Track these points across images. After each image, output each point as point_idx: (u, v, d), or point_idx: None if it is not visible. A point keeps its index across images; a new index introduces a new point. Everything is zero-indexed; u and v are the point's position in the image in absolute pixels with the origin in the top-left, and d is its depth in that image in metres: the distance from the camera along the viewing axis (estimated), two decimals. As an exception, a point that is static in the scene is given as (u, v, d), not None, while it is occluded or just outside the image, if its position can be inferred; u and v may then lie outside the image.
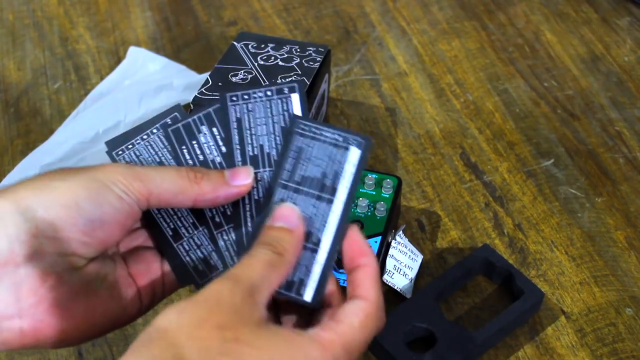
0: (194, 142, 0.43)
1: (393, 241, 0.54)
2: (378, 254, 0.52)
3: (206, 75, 0.67)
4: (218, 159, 0.43)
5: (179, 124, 0.44)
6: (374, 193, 0.56)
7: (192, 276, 0.43)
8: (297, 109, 0.43)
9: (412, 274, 0.54)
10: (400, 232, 0.55)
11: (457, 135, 0.66)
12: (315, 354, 0.34)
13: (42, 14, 0.80)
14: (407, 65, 0.73)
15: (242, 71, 0.54)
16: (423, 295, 0.51)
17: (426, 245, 0.58)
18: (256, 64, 0.54)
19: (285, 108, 0.43)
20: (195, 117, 0.44)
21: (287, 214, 0.39)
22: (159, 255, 0.43)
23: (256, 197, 0.42)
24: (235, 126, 0.43)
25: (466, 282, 0.55)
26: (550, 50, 0.74)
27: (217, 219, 0.43)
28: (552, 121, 0.67)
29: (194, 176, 0.40)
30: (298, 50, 0.56)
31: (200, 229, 0.43)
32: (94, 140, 0.62)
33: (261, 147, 0.43)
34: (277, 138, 0.43)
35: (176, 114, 0.44)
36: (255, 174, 0.42)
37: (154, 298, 0.42)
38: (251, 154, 0.43)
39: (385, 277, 0.52)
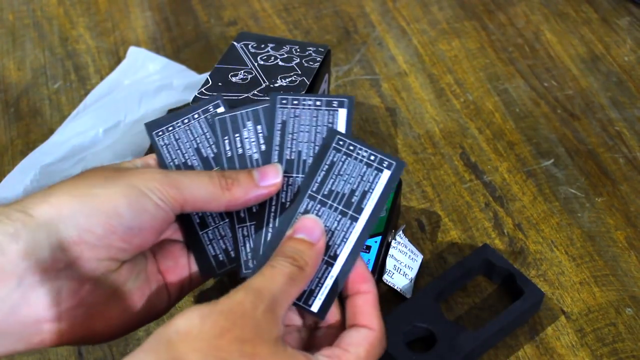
0: (237, 135, 0.44)
1: (393, 241, 0.54)
2: (378, 254, 0.52)
3: (206, 75, 0.67)
4: (256, 156, 0.43)
5: (227, 115, 0.44)
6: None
7: (212, 267, 0.43)
8: (341, 125, 0.44)
9: (412, 274, 0.54)
10: (400, 232, 0.55)
11: (457, 135, 0.66)
12: None
13: (42, 14, 0.80)
14: (407, 65, 0.73)
15: (242, 71, 0.54)
16: (423, 295, 0.51)
17: (426, 245, 0.58)
18: (256, 64, 0.54)
19: (330, 120, 0.44)
20: (243, 111, 0.44)
21: (311, 227, 0.40)
22: (186, 250, 0.44)
23: (283, 200, 0.43)
24: (279, 128, 0.44)
25: (466, 282, 0.55)
26: (550, 50, 0.74)
27: (242, 214, 0.43)
28: (552, 121, 0.67)
29: (225, 183, 0.40)
30: (298, 50, 0.56)
31: (227, 220, 0.43)
32: (94, 140, 0.62)
33: (299, 153, 0.43)
34: (316, 147, 0.43)
35: (219, 101, 0.45)
36: (287, 177, 0.43)
37: (181, 293, 0.43)
38: (288, 157, 0.43)
39: (385, 277, 0.52)
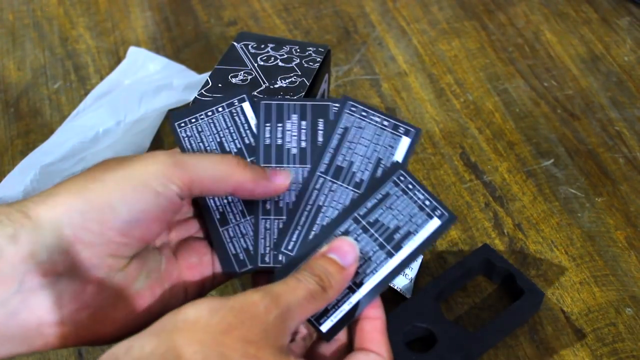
0: (280, 124, 0.44)
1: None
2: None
3: (206, 75, 0.67)
4: (294, 150, 0.43)
5: (274, 102, 0.44)
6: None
7: (232, 265, 0.42)
8: (400, 152, 0.43)
9: (412, 274, 0.54)
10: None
11: (457, 135, 0.66)
12: None
13: (42, 14, 0.80)
14: (407, 65, 0.73)
15: (242, 72, 0.54)
16: (423, 295, 0.51)
17: (426, 245, 0.58)
18: (256, 65, 0.54)
19: (391, 144, 0.44)
20: (291, 103, 0.44)
21: (346, 250, 0.39)
22: (210, 248, 0.43)
23: (320, 203, 0.42)
24: (340, 132, 0.44)
25: (466, 282, 0.55)
26: (550, 50, 0.74)
27: (268, 206, 0.43)
28: (552, 121, 0.67)
29: (239, 162, 0.39)
30: (298, 50, 0.56)
31: (248, 218, 0.43)
32: (94, 140, 0.62)
33: (351, 163, 0.43)
34: (369, 165, 0.43)
35: (244, 96, 0.45)
36: (332, 183, 0.43)
37: (202, 292, 0.42)
38: (339, 163, 0.43)
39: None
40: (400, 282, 0.53)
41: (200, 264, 0.42)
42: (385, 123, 0.44)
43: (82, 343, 0.37)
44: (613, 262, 0.56)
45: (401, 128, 0.44)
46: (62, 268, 0.35)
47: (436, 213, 0.41)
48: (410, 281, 0.54)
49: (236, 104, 0.45)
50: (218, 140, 0.44)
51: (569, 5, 0.80)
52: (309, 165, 0.44)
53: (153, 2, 0.81)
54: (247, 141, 0.44)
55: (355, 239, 0.41)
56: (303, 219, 0.42)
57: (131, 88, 0.66)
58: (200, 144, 0.44)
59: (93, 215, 0.35)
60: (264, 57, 0.55)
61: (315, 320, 0.39)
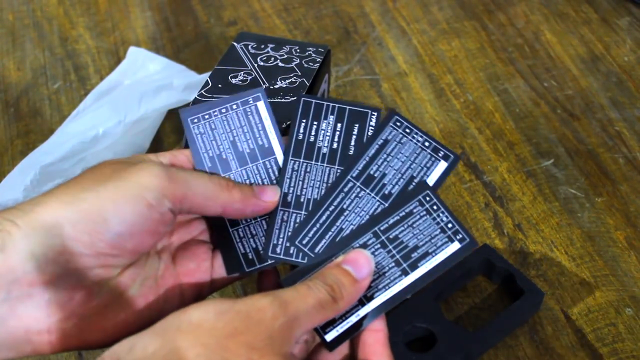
0: (315, 123, 0.44)
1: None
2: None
3: (206, 75, 0.67)
4: (324, 150, 0.44)
5: (313, 99, 0.45)
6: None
7: (240, 264, 0.42)
8: (435, 175, 0.43)
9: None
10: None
11: (457, 135, 0.66)
12: None
13: (42, 14, 0.80)
14: (407, 65, 0.73)
15: (242, 72, 0.54)
16: (423, 295, 0.51)
17: (426, 246, 0.58)
18: (256, 65, 0.54)
19: (428, 165, 0.44)
20: (331, 103, 0.45)
21: (362, 264, 0.39)
22: (211, 252, 0.43)
23: (344, 206, 0.43)
24: (380, 143, 0.44)
25: (466, 282, 0.55)
26: (550, 50, 0.74)
27: (289, 199, 0.43)
28: (552, 121, 0.67)
29: (226, 184, 0.39)
30: (298, 50, 0.56)
31: (259, 219, 0.43)
32: (94, 140, 0.62)
33: (383, 175, 0.43)
34: (401, 180, 0.43)
35: (260, 94, 0.44)
36: (360, 190, 0.43)
37: (198, 297, 0.42)
38: (371, 172, 0.43)
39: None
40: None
41: (198, 269, 0.42)
42: (427, 144, 0.44)
43: (70, 349, 0.37)
44: (613, 262, 0.56)
45: (441, 152, 0.44)
46: (50, 277, 0.35)
47: (457, 237, 0.41)
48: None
49: (251, 102, 0.44)
50: (231, 139, 0.43)
51: (569, 5, 0.80)
52: (336, 166, 0.44)
53: (153, 2, 0.81)
54: (260, 142, 0.44)
55: (372, 253, 0.41)
56: (324, 217, 0.42)
57: (131, 88, 0.66)
58: (213, 142, 0.43)
59: (84, 226, 0.35)
60: (263, 57, 0.55)
61: (321, 328, 0.39)
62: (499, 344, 0.51)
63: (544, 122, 0.67)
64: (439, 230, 0.42)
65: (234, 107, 0.44)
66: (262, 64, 0.54)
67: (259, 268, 0.42)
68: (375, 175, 0.43)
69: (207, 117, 0.44)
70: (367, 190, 0.43)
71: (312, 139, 0.44)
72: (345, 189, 0.43)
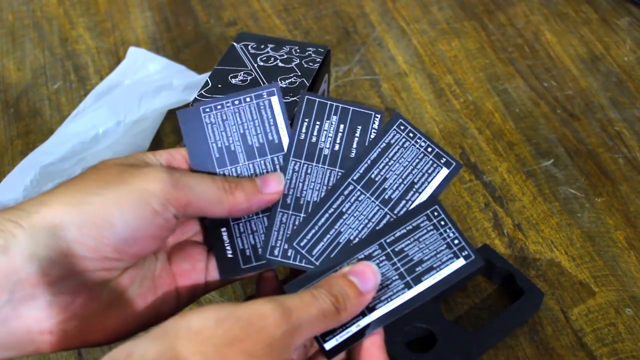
0: (318, 123, 0.44)
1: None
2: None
3: (206, 75, 0.67)
4: (326, 152, 0.43)
5: (317, 98, 0.44)
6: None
7: (234, 268, 0.42)
8: (436, 181, 0.43)
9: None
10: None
11: (457, 135, 0.66)
12: None
13: (42, 14, 0.80)
14: (406, 65, 0.73)
15: (242, 72, 0.54)
16: (423, 296, 0.51)
17: (426, 246, 0.58)
18: (256, 65, 0.54)
19: (429, 171, 0.43)
20: (334, 103, 0.44)
21: (368, 277, 0.39)
22: (206, 253, 0.43)
23: (344, 210, 0.42)
24: (382, 146, 0.44)
25: (466, 282, 0.55)
26: (550, 50, 0.74)
27: (288, 201, 0.43)
28: (552, 121, 0.67)
29: (229, 187, 0.39)
30: (298, 50, 0.56)
31: (261, 215, 0.43)
32: (94, 140, 0.62)
33: (384, 179, 0.43)
34: (402, 185, 0.43)
35: (274, 89, 0.44)
36: (360, 193, 0.43)
37: (193, 298, 0.42)
38: (373, 176, 0.43)
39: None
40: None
41: (193, 270, 0.42)
42: (430, 149, 0.44)
43: (71, 348, 0.37)
44: (613, 262, 0.56)
45: (444, 158, 0.44)
46: (53, 279, 0.35)
47: (463, 253, 0.41)
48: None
49: (265, 96, 0.44)
50: (241, 132, 0.43)
51: (569, 5, 0.80)
52: (337, 169, 0.43)
53: (153, 2, 0.81)
54: (270, 137, 0.44)
55: (377, 265, 0.41)
56: (323, 220, 0.42)
57: (131, 88, 0.66)
58: (223, 133, 0.43)
59: (90, 230, 0.35)
60: (263, 57, 0.55)
61: (321, 336, 0.39)
62: (499, 344, 0.51)
63: (544, 122, 0.67)
64: (444, 245, 0.41)
65: (247, 99, 0.44)
66: (262, 64, 0.54)
67: (255, 267, 0.42)
68: (376, 179, 0.43)
69: (219, 107, 0.43)
70: (367, 194, 0.43)
71: (314, 139, 0.44)
72: (346, 192, 0.43)
